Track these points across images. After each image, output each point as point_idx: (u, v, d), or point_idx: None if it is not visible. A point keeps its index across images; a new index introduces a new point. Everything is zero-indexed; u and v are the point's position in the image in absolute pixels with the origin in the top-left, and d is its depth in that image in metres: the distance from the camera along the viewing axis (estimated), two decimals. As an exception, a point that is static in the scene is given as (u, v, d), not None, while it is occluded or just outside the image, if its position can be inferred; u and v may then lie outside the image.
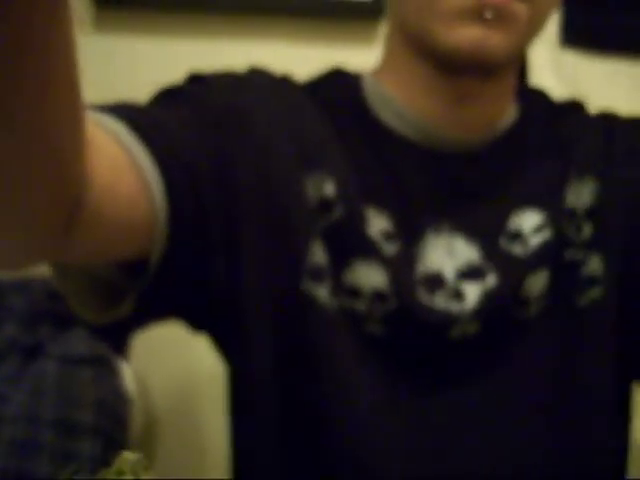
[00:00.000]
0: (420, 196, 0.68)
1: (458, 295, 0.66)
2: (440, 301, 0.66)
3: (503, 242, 0.68)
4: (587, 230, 0.69)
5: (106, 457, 0.89)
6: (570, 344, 0.69)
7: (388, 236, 0.66)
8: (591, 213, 0.69)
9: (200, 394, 1.26)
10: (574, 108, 0.76)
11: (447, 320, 0.66)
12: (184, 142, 0.61)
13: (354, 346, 0.66)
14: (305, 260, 0.65)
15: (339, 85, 0.72)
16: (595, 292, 0.68)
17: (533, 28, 0.65)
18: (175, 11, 1.35)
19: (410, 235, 0.67)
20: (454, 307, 0.66)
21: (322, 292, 0.65)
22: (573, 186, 0.69)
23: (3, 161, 0.36)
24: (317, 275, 0.65)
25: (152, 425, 1.19)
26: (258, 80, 0.70)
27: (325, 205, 0.66)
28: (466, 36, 0.62)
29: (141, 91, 1.33)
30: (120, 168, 0.54)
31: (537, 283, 0.67)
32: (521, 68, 1.45)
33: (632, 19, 1.53)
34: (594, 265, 0.68)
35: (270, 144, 0.66)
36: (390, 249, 0.66)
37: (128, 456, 0.28)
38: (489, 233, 0.68)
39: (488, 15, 0.61)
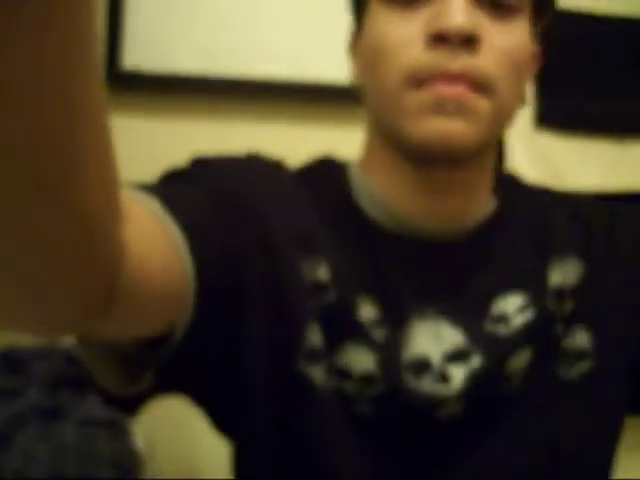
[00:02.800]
0: (404, 285, 0.70)
1: (444, 378, 0.68)
2: (426, 384, 0.67)
3: (487, 325, 0.70)
4: (568, 304, 0.72)
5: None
6: (560, 415, 0.71)
7: (376, 322, 0.68)
8: (576, 290, 0.72)
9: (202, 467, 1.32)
10: (544, 192, 0.79)
11: (433, 402, 0.67)
12: (198, 221, 0.62)
13: (345, 426, 0.68)
14: (301, 341, 0.67)
15: (327, 176, 0.74)
16: (583, 366, 0.71)
17: (497, 122, 0.67)
18: (180, 93, 1.46)
19: (396, 321, 0.69)
20: (440, 389, 0.67)
21: (317, 373, 0.67)
22: (556, 266, 0.73)
23: (41, 243, 0.36)
24: (313, 356, 0.67)
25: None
26: (256, 166, 0.73)
27: (319, 288, 0.68)
28: (431, 129, 0.64)
29: (152, 171, 1.42)
30: (154, 239, 0.54)
31: (520, 360, 0.70)
32: (497, 151, 1.56)
33: (605, 102, 1.63)
34: (581, 339, 0.72)
35: (270, 228, 0.68)
36: (378, 334, 0.68)
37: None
38: (473, 318, 0.70)
39: (449, 108, 0.63)
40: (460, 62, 0.63)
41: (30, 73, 0.30)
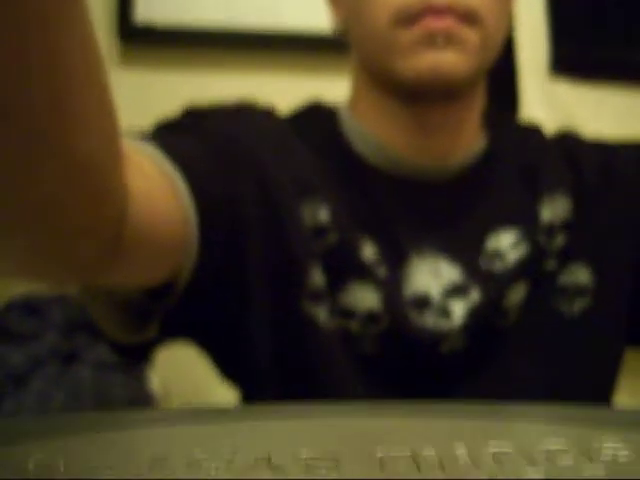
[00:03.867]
0: (400, 223, 0.71)
1: (445, 313, 0.69)
2: (429, 319, 0.69)
3: (483, 261, 0.72)
4: (560, 239, 0.73)
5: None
6: (560, 348, 0.72)
7: (377, 261, 0.70)
8: (567, 225, 0.74)
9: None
10: (535, 131, 0.80)
11: (436, 337, 0.69)
12: (196, 167, 0.63)
13: (349, 365, 0.69)
14: (305, 282, 0.68)
15: (317, 120, 0.76)
16: (584, 301, 0.73)
17: (485, 52, 0.69)
18: (197, 47, 1.46)
19: (395, 260, 0.70)
20: (442, 324, 0.69)
21: (321, 312, 0.68)
22: (546, 203, 0.74)
23: (43, 182, 0.37)
24: (316, 296, 0.69)
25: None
26: (250, 113, 0.74)
27: (320, 231, 0.69)
28: (423, 63, 0.66)
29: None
30: (154, 183, 0.55)
31: (517, 295, 0.72)
32: (512, 100, 1.55)
33: (620, 50, 1.62)
34: (581, 275, 0.73)
35: (268, 173, 0.69)
36: (381, 272, 0.70)
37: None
38: (469, 254, 0.71)
39: (439, 40, 0.65)
40: None
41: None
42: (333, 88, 1.46)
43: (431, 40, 0.65)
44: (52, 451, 0.22)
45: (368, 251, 0.70)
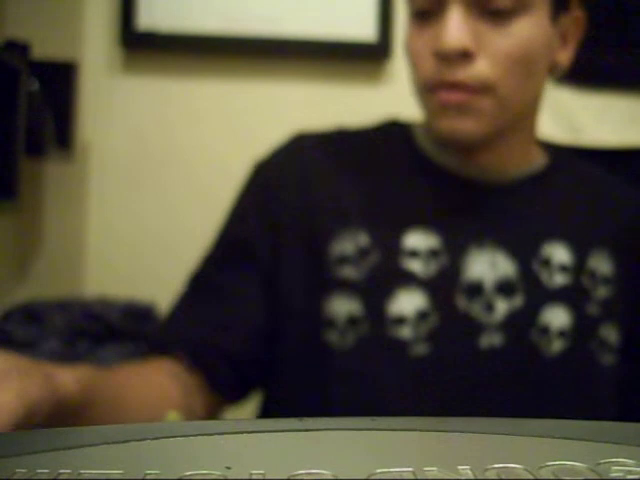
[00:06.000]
0: (465, 216, 0.80)
1: (490, 307, 0.76)
2: (475, 309, 0.76)
3: (535, 265, 0.79)
4: (601, 291, 0.81)
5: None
6: (586, 396, 0.79)
7: (433, 252, 0.78)
8: (608, 281, 0.81)
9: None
10: (611, 177, 0.88)
11: (478, 327, 0.76)
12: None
13: (397, 371, 0.76)
14: (324, 313, 0.77)
15: (393, 130, 0.85)
16: (610, 358, 0.81)
17: (504, 110, 0.75)
18: (199, 54, 1.46)
19: (457, 249, 0.78)
20: (484, 316, 0.76)
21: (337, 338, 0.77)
22: (595, 254, 0.82)
23: None
24: (334, 325, 0.77)
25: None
26: (295, 156, 0.83)
27: (362, 252, 0.78)
28: (441, 127, 0.76)
29: (167, 131, 1.43)
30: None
31: (557, 317, 0.78)
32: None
33: (623, 55, 1.61)
34: (611, 335, 0.81)
35: (311, 211, 0.80)
36: (431, 267, 0.78)
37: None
38: (525, 253, 0.79)
39: (451, 111, 0.74)
40: (457, 74, 0.73)
41: None
42: (335, 94, 1.47)
43: (444, 110, 0.74)
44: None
45: (424, 242, 0.78)
